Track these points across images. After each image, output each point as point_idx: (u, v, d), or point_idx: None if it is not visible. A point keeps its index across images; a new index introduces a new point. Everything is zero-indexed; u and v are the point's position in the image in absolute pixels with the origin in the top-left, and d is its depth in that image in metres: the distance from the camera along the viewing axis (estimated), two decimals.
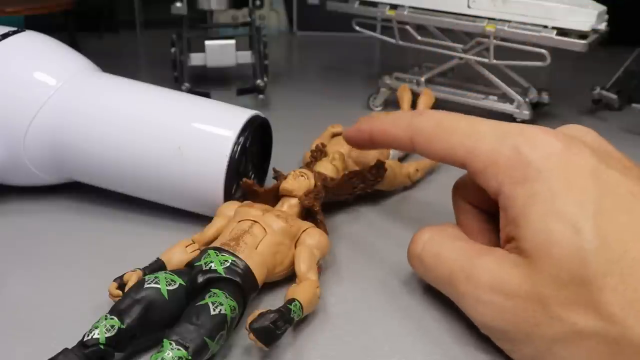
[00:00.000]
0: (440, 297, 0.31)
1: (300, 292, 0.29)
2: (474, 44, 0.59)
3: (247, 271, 0.29)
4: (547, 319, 0.23)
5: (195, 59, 0.67)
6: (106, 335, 0.25)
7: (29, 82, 0.39)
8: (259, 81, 0.65)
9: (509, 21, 0.55)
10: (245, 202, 0.36)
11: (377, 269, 0.35)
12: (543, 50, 0.54)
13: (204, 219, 0.37)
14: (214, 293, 0.27)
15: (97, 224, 0.40)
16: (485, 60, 0.59)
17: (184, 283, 0.28)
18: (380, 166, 0.41)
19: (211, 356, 0.26)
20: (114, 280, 0.30)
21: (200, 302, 0.27)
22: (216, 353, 0.27)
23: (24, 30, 0.42)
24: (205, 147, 0.37)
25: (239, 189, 0.38)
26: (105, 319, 0.26)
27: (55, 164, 0.40)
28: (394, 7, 0.61)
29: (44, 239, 0.38)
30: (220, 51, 0.67)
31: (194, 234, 0.33)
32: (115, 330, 0.26)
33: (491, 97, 0.61)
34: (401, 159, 0.50)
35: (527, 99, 0.59)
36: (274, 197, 0.37)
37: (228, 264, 0.29)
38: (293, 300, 0.28)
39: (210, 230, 0.33)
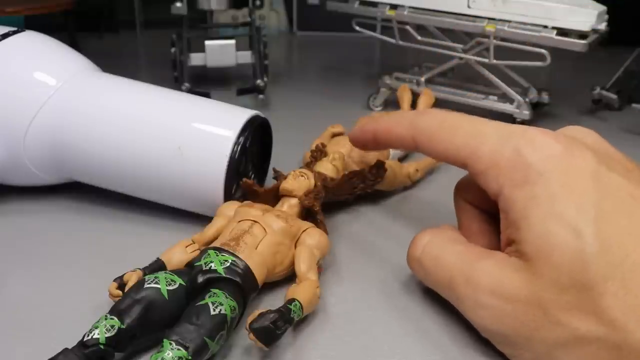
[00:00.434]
0: (440, 298, 0.31)
1: (300, 292, 0.29)
2: (474, 44, 0.59)
3: (247, 271, 0.29)
4: (547, 324, 0.23)
5: (195, 59, 0.67)
6: (106, 335, 0.25)
7: (29, 82, 0.39)
8: (259, 81, 0.65)
9: (509, 21, 0.55)
10: (245, 202, 0.36)
11: (377, 269, 0.35)
12: (543, 50, 0.54)
13: (204, 219, 0.37)
14: (214, 293, 0.27)
15: (97, 224, 0.40)
16: (485, 60, 0.59)
17: (184, 283, 0.28)
18: (380, 166, 0.41)
19: (211, 356, 0.26)
20: (114, 280, 0.30)
21: (200, 302, 0.27)
22: (216, 353, 0.27)
23: (24, 30, 0.42)
24: (205, 147, 0.37)
25: (239, 189, 0.38)
26: (105, 319, 0.26)
27: (55, 164, 0.40)
28: (394, 7, 0.61)
29: (44, 239, 0.38)
30: (220, 51, 0.67)
31: (194, 234, 0.33)
32: (115, 330, 0.26)
33: (491, 97, 0.61)
34: (401, 159, 0.50)
35: (527, 99, 0.59)
36: (274, 197, 0.37)
37: (228, 264, 0.29)
38: (293, 300, 0.28)
39: (210, 230, 0.33)
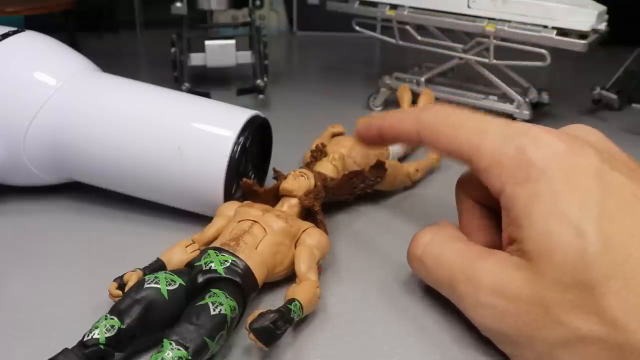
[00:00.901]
0: (440, 298, 0.31)
1: (300, 292, 0.29)
2: (474, 44, 0.59)
3: (247, 271, 0.29)
4: (549, 323, 0.23)
5: (195, 59, 0.67)
6: (106, 335, 0.25)
7: (29, 82, 0.39)
8: (259, 81, 0.65)
9: (509, 21, 0.55)
10: (245, 202, 0.36)
11: (377, 269, 0.35)
12: (543, 50, 0.54)
13: (204, 219, 0.37)
14: (214, 293, 0.27)
15: (97, 224, 0.40)
16: (485, 60, 0.59)
17: (184, 283, 0.28)
18: (380, 166, 0.41)
19: (211, 356, 0.26)
20: (114, 280, 0.30)
21: (200, 302, 0.27)
22: (216, 353, 0.27)
23: (24, 30, 0.42)
24: (205, 147, 0.37)
25: (239, 189, 0.38)
26: (105, 319, 0.26)
27: (55, 164, 0.40)
28: (394, 7, 0.61)
29: (44, 239, 0.38)
30: (220, 51, 0.67)
31: (194, 234, 0.33)
32: (115, 330, 0.26)
33: (491, 97, 0.61)
34: (401, 159, 0.50)
35: (527, 99, 0.59)
36: (274, 197, 0.37)
37: (228, 264, 0.29)
38: (293, 300, 0.28)
39: (210, 230, 0.33)
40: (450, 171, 0.49)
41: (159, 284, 0.28)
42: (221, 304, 0.27)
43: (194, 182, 0.37)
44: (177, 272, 0.29)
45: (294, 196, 0.36)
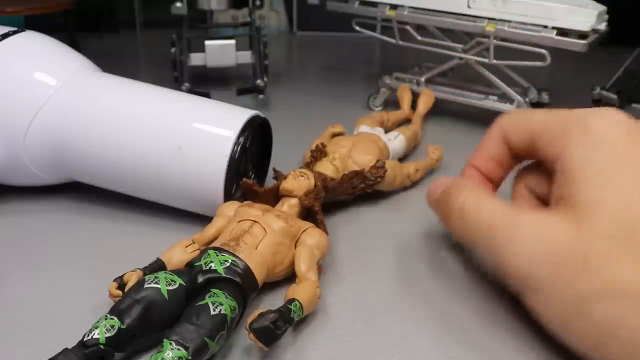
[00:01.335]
0: (440, 297, 0.31)
1: (300, 292, 0.29)
2: (474, 44, 0.59)
3: (247, 271, 0.29)
4: (587, 274, 0.24)
5: (195, 59, 0.67)
6: (106, 335, 0.25)
7: (29, 82, 0.39)
8: (259, 81, 0.65)
9: (509, 21, 0.55)
10: (245, 202, 0.36)
11: (377, 269, 0.35)
12: (543, 50, 0.54)
13: (204, 219, 0.37)
14: (214, 293, 0.27)
15: (97, 224, 0.40)
16: (485, 60, 0.59)
17: (184, 283, 0.28)
18: (380, 166, 0.41)
19: (211, 356, 0.26)
20: (114, 280, 0.30)
21: (200, 302, 0.27)
22: (216, 353, 0.27)
23: (24, 30, 0.42)
24: (205, 147, 0.37)
25: (239, 189, 0.38)
26: (105, 319, 0.26)
27: (55, 164, 0.40)
28: (394, 7, 0.61)
29: (44, 239, 0.38)
30: (220, 51, 0.67)
31: (194, 234, 0.34)
32: (115, 330, 0.26)
33: (491, 97, 0.61)
34: (401, 159, 0.50)
35: (527, 99, 0.59)
36: (274, 197, 0.37)
37: (228, 264, 0.29)
38: (293, 300, 0.28)
39: (210, 230, 0.34)
40: (450, 171, 0.49)
41: (159, 284, 0.28)
42: (221, 304, 0.27)
43: (194, 182, 0.37)
44: (177, 272, 0.29)
45: (294, 196, 0.36)
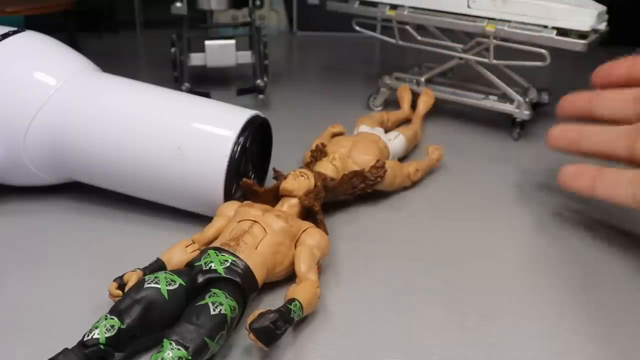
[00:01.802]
0: (440, 297, 0.31)
1: (300, 292, 0.29)
2: (474, 44, 0.59)
3: (247, 271, 0.29)
4: None
5: (195, 59, 0.67)
6: (106, 335, 0.25)
7: (29, 82, 0.39)
8: (259, 81, 0.65)
9: (509, 21, 0.55)
10: (245, 202, 0.36)
11: (377, 269, 0.35)
12: (543, 50, 0.54)
13: (204, 219, 0.37)
14: (214, 293, 0.27)
15: (97, 224, 0.40)
16: (485, 60, 0.59)
17: (184, 283, 0.28)
18: (380, 166, 0.41)
19: (211, 356, 0.26)
20: (114, 280, 0.30)
21: (200, 302, 0.27)
22: (216, 353, 0.27)
23: (24, 30, 0.42)
24: (205, 147, 0.37)
25: (239, 189, 0.38)
26: (105, 319, 0.26)
27: (55, 164, 0.40)
28: (394, 7, 0.61)
29: (44, 239, 0.38)
30: (220, 51, 0.67)
31: (194, 234, 0.34)
32: (115, 330, 0.26)
33: (491, 97, 0.61)
34: (401, 159, 0.50)
35: (527, 99, 0.59)
36: (274, 197, 0.37)
37: (228, 264, 0.29)
38: (293, 300, 0.28)
39: (210, 230, 0.34)
40: (451, 172, 0.49)
41: (159, 284, 0.28)
42: (221, 304, 0.27)
43: (194, 182, 0.37)
44: (177, 272, 0.29)
45: (294, 196, 0.36)
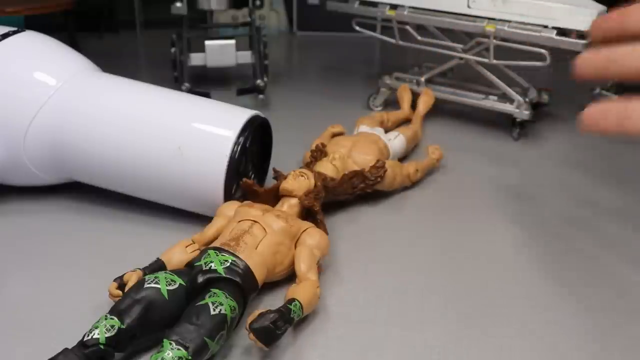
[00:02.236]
0: (440, 297, 0.31)
1: (300, 292, 0.29)
2: (474, 44, 0.59)
3: (247, 271, 0.29)
4: None
5: (195, 59, 0.67)
6: (106, 335, 0.25)
7: (29, 82, 0.39)
8: (259, 81, 0.65)
9: (509, 21, 0.55)
10: (245, 202, 0.36)
11: (377, 269, 0.35)
12: (543, 50, 0.54)
13: (204, 219, 0.37)
14: (214, 293, 0.27)
15: (97, 224, 0.40)
16: (485, 60, 0.58)
17: (184, 283, 0.28)
18: (380, 166, 0.41)
19: (211, 356, 0.26)
20: (114, 280, 0.30)
21: (200, 302, 0.27)
22: (216, 353, 0.27)
23: (24, 30, 0.42)
24: (205, 147, 0.37)
25: (239, 189, 0.38)
26: (105, 319, 0.26)
27: (55, 164, 0.40)
28: (394, 7, 0.61)
29: (44, 239, 0.38)
30: (220, 51, 0.67)
31: (194, 234, 0.34)
32: (115, 330, 0.26)
33: (491, 97, 0.61)
34: (401, 159, 0.50)
35: (527, 99, 0.59)
36: (274, 197, 0.37)
37: (228, 264, 0.29)
38: (293, 300, 0.28)
39: (210, 230, 0.34)
40: (451, 172, 0.49)
41: (159, 284, 0.28)
42: (221, 304, 0.27)
43: (194, 182, 0.37)
44: (177, 272, 0.29)
45: (294, 196, 0.36)
